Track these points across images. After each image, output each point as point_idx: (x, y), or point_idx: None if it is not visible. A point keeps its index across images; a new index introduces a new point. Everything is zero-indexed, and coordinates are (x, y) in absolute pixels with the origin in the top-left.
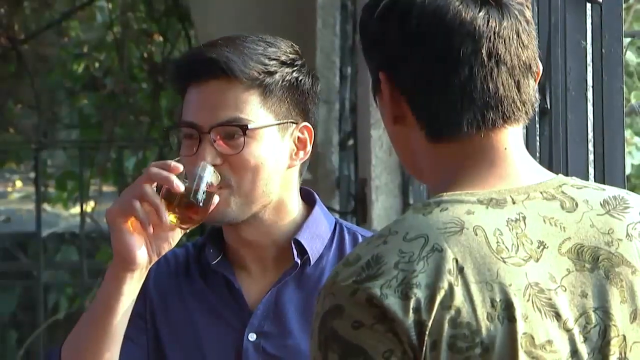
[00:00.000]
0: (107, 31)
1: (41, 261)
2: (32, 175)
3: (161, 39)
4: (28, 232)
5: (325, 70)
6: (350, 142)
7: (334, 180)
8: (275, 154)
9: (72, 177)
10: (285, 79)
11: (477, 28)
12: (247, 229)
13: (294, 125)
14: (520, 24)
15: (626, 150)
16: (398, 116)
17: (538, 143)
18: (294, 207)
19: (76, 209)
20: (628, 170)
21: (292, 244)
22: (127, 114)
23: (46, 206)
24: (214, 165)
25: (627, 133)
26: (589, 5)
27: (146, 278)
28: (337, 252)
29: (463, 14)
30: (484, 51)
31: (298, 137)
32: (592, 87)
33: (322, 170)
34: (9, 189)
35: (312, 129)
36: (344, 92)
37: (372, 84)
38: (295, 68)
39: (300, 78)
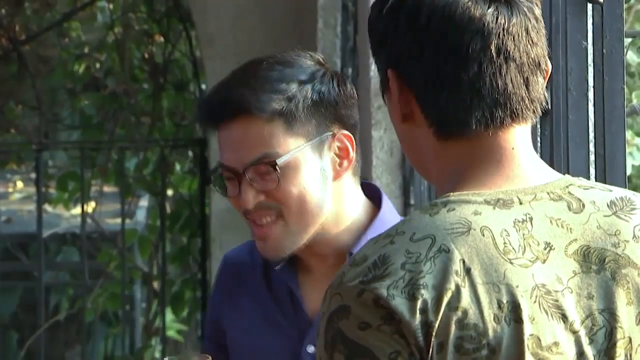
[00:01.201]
0: (108, 32)
1: (42, 262)
2: (33, 175)
3: (162, 39)
4: (29, 233)
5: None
6: None
7: None
8: (317, 173)
9: (73, 177)
10: (307, 97)
11: (486, 24)
12: (310, 243)
13: (330, 137)
14: (530, 21)
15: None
16: (406, 114)
17: (539, 143)
18: (354, 213)
19: (77, 210)
20: (629, 171)
21: (348, 257)
22: (128, 115)
23: (47, 207)
24: (259, 202)
25: (628, 134)
26: (590, 5)
27: (218, 283)
28: None
29: (472, 10)
30: (492, 48)
31: (338, 147)
32: (593, 87)
33: None
34: (10, 190)
35: (351, 135)
36: None
37: (380, 82)
38: (315, 82)
39: (322, 90)
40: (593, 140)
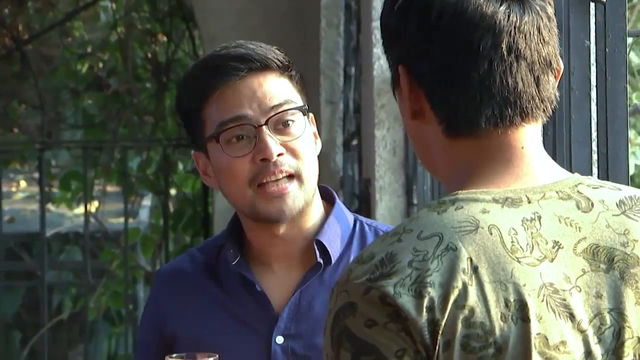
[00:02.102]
0: (111, 31)
1: (45, 261)
2: (36, 175)
3: (165, 39)
4: (32, 232)
5: (329, 71)
6: (355, 142)
7: (338, 180)
8: (312, 139)
9: (76, 177)
10: (298, 72)
11: (497, 22)
12: (288, 224)
13: (309, 115)
14: (542, 19)
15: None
16: (416, 111)
17: (542, 143)
18: (319, 202)
19: (80, 209)
20: (632, 171)
21: (315, 245)
22: (131, 114)
23: (50, 206)
24: (279, 155)
25: (631, 133)
26: (592, 4)
27: (153, 305)
28: (359, 249)
29: (484, 7)
30: (504, 46)
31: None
32: (596, 86)
33: (326, 170)
34: (13, 189)
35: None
36: (348, 92)
37: (391, 79)
38: (296, 68)
39: (300, 74)
40: (596, 140)
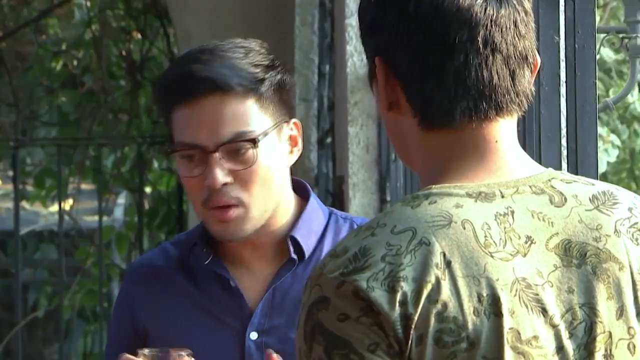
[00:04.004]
0: (86, 29)
1: (19, 259)
2: (11, 173)
3: (140, 36)
4: (6, 230)
5: (303, 68)
6: (329, 139)
7: (313, 177)
8: (278, 157)
9: (51, 175)
10: (274, 83)
11: (474, 15)
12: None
13: (285, 124)
14: (519, 13)
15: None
16: (392, 102)
17: (516, 137)
18: (291, 202)
19: (55, 207)
20: (605, 168)
21: (289, 241)
22: (106, 112)
23: (25, 204)
24: (225, 184)
25: (604, 130)
26: (562, 0)
27: (124, 300)
28: (332, 242)
29: (461, 0)
30: (479, 39)
31: (290, 136)
32: (566, 82)
33: (300, 168)
34: None
35: (299, 123)
36: (322, 90)
37: (368, 71)
38: (277, 69)
39: (283, 78)
40: (565, 135)
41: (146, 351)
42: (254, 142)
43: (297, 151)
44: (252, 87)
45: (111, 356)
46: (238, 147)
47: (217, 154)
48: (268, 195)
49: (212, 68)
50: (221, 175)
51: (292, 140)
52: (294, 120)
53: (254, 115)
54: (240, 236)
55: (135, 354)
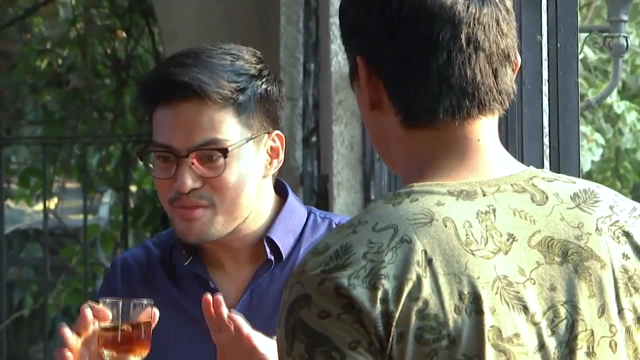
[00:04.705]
0: (71, 27)
1: (3, 258)
2: None
3: (125, 35)
4: None
5: (288, 67)
6: (314, 138)
7: (298, 176)
8: (253, 168)
9: (36, 173)
10: (257, 93)
11: (457, 13)
12: (224, 237)
13: (267, 136)
14: (501, 12)
15: (587, 146)
16: (375, 102)
17: (498, 136)
18: (268, 209)
19: (40, 206)
20: (589, 167)
21: (265, 242)
22: (91, 111)
23: (9, 202)
24: (194, 189)
25: (588, 129)
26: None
27: (107, 294)
28: (311, 243)
29: None
30: (462, 37)
31: (271, 147)
32: (548, 81)
33: (285, 166)
34: None
35: (282, 135)
36: (307, 89)
37: (349, 70)
38: (263, 79)
39: (269, 89)
40: (548, 134)
41: (108, 300)
42: (224, 151)
43: (278, 163)
44: (231, 97)
45: None
46: (209, 154)
47: (188, 159)
48: (237, 205)
49: (193, 74)
50: (190, 181)
51: (273, 151)
52: (277, 132)
53: (229, 124)
54: (204, 239)
55: (99, 303)
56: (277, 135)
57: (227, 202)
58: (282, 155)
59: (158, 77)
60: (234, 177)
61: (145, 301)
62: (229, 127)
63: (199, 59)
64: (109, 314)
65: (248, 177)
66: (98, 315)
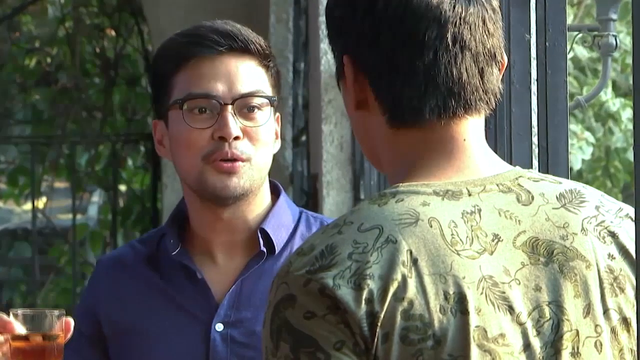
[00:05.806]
0: (59, 26)
1: None
2: None
3: (114, 34)
4: None
5: (278, 66)
6: (304, 138)
7: (287, 176)
8: (273, 132)
9: (24, 173)
10: (277, 67)
11: (443, 13)
12: (232, 208)
13: (276, 113)
14: (487, 11)
15: (577, 145)
16: (361, 101)
17: (484, 136)
18: (267, 194)
19: (28, 205)
20: (579, 165)
21: (259, 233)
22: (80, 110)
23: None
24: (236, 138)
25: (578, 128)
26: None
27: (88, 293)
28: (302, 240)
29: None
30: (449, 36)
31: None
32: (537, 80)
33: (275, 166)
34: None
35: (279, 119)
36: (297, 88)
37: (335, 69)
38: (275, 61)
39: (279, 71)
40: (536, 133)
41: (19, 311)
42: (271, 100)
43: (278, 144)
44: (265, 59)
45: (71, 347)
46: (252, 103)
47: (231, 107)
48: (267, 159)
49: (234, 28)
50: (234, 127)
51: (275, 132)
52: (278, 114)
53: (265, 80)
54: (239, 192)
55: (8, 315)
56: (278, 118)
57: (261, 156)
58: (279, 139)
59: (201, 29)
60: (268, 131)
61: (57, 312)
62: (266, 83)
63: (228, 24)
64: (15, 325)
65: (273, 137)
66: (5, 328)
